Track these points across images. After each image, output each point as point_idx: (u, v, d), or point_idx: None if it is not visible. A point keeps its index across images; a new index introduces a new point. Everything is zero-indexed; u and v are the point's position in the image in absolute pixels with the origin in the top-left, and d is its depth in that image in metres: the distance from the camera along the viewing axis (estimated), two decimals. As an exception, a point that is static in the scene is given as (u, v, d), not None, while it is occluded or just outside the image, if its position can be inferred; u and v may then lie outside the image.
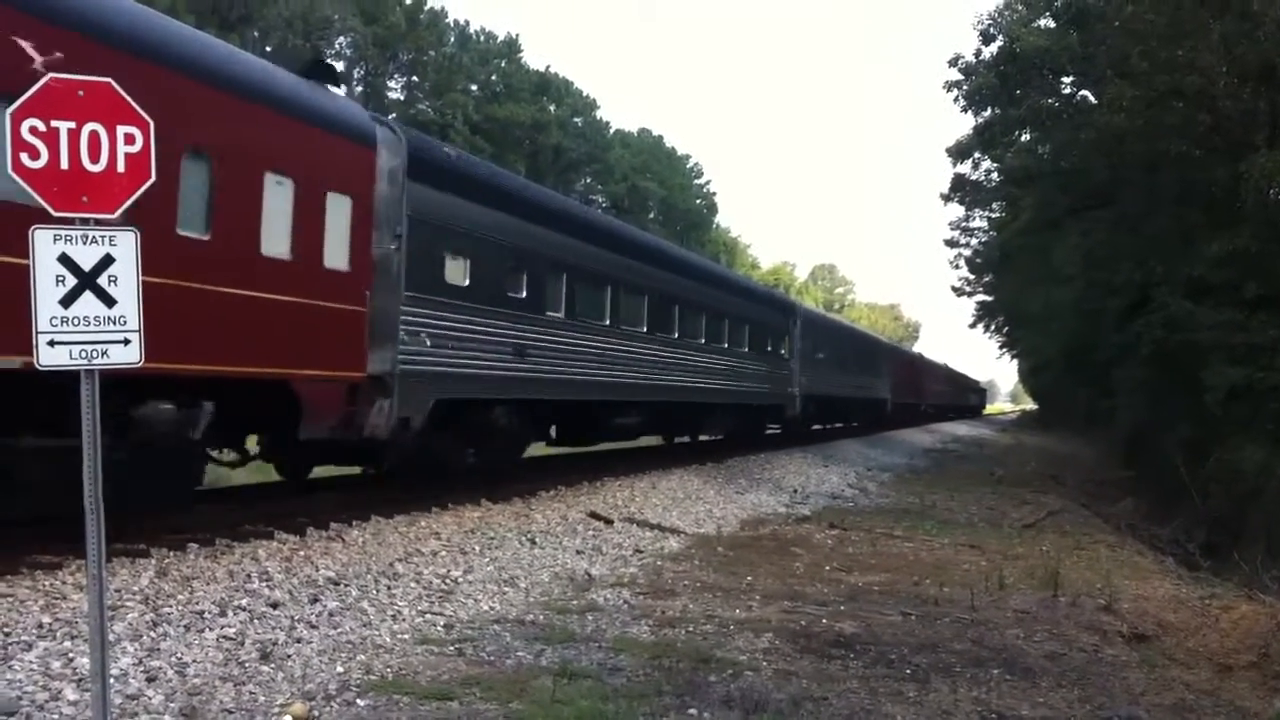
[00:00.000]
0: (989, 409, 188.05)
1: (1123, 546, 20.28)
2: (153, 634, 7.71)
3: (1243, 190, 24.26)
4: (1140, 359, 32.76)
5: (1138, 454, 40.79)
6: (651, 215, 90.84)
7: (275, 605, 8.93)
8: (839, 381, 42.00)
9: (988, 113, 36.85)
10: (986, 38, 33.97)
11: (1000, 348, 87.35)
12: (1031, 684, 8.68)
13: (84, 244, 5.45)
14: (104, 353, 5.52)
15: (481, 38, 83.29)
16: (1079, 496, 31.27)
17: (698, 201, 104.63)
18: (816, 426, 42.57)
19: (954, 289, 71.57)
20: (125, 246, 5.54)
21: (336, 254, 12.38)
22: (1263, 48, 23.69)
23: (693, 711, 7.23)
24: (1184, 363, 28.43)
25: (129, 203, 5.58)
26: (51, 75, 5.44)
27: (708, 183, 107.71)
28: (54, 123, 5.35)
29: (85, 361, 5.48)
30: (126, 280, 5.54)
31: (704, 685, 7.89)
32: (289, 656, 7.85)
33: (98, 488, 5.49)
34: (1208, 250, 25.98)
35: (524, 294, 16.82)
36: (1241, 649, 11.70)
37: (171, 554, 9.95)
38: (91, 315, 5.48)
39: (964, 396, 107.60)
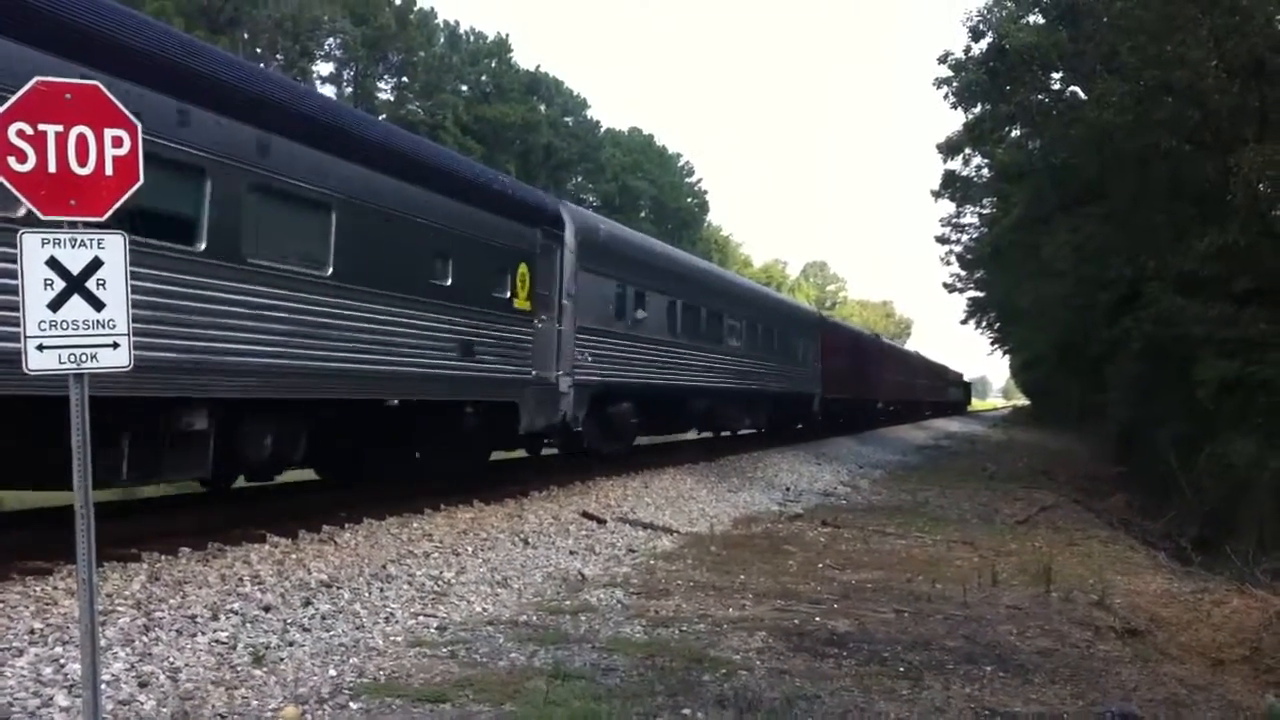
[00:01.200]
0: (980, 405, 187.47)
1: (1115, 542, 20.31)
2: (144, 639, 7.69)
3: (1232, 184, 24.30)
4: (1131, 354, 32.84)
5: (1130, 449, 40.83)
6: (643, 214, 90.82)
7: (267, 609, 8.92)
8: (695, 366, 25.69)
9: (978, 109, 36.81)
10: (976, 34, 33.93)
11: (992, 343, 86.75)
12: (1024, 680, 8.68)
13: (72, 247, 5.43)
14: (93, 356, 5.50)
15: (471, 38, 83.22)
16: (1071, 492, 31.29)
17: (689, 200, 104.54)
18: (645, 440, 25.91)
19: (945, 285, 70.97)
20: (114, 250, 5.52)
21: None
22: (1252, 42, 23.71)
23: (686, 711, 7.22)
24: (1175, 357, 28.49)
25: (117, 205, 5.57)
26: (38, 79, 5.42)
27: (699, 181, 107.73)
28: (41, 126, 5.33)
29: (74, 366, 5.46)
30: (115, 284, 5.52)
31: (697, 685, 7.89)
32: (281, 660, 7.84)
33: (88, 493, 5.47)
34: (1198, 245, 25.99)
35: None
36: (1234, 643, 11.75)
37: (163, 558, 9.93)
38: (80, 319, 5.46)
39: (942, 391, 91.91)
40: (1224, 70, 25.18)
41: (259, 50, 60.54)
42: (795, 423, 39.62)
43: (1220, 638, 11.97)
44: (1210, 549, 20.92)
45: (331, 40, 70.74)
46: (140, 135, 5.62)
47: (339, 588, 10.01)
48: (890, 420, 58.55)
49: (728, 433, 33.31)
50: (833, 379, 41.43)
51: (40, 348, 5.37)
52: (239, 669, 7.51)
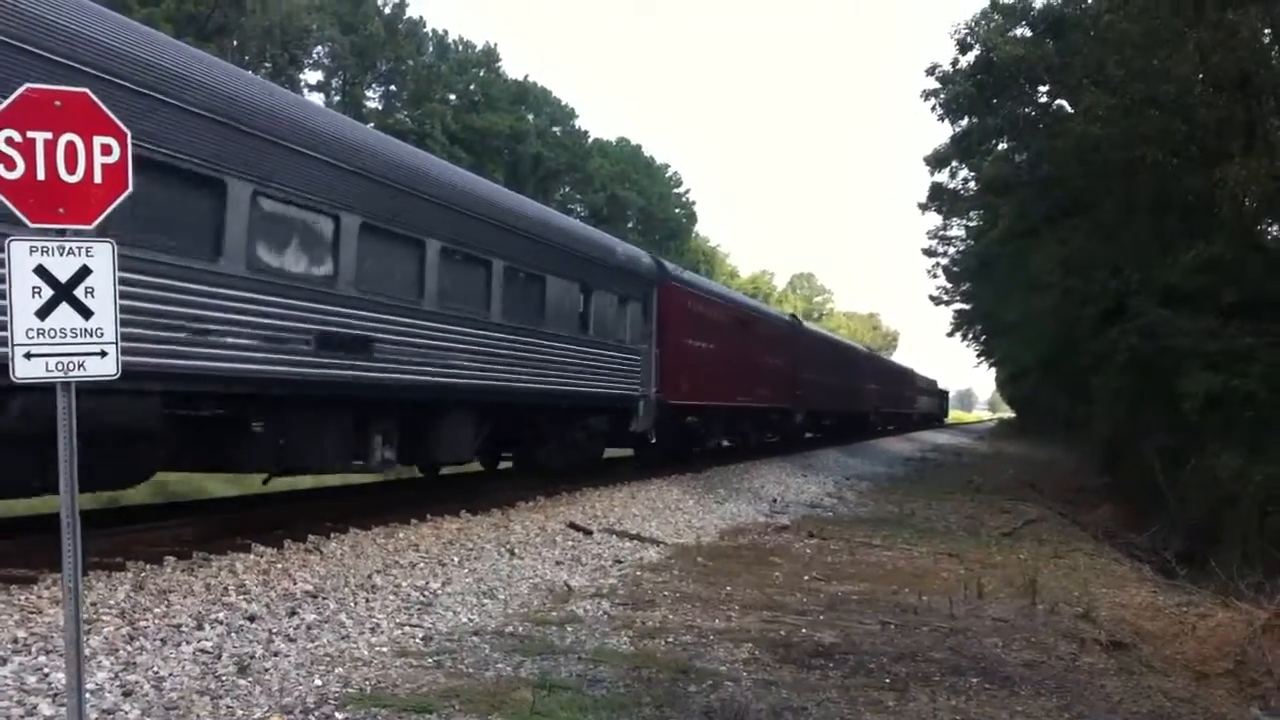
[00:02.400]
0: (966, 417, 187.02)
1: (1100, 554, 20.37)
2: (129, 648, 7.66)
3: (1218, 198, 24.46)
4: (1117, 366, 32.93)
5: (1115, 461, 40.96)
6: (631, 224, 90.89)
7: (252, 618, 8.89)
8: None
9: (965, 122, 37.10)
10: (964, 47, 34.17)
11: (978, 356, 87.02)
12: (1010, 692, 8.69)
13: (60, 255, 5.42)
14: (81, 365, 5.49)
15: (460, 47, 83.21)
16: (1057, 504, 31.35)
17: (677, 211, 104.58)
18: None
19: (932, 298, 71.16)
20: (102, 258, 5.52)
21: None
22: (1238, 56, 23.87)
23: (672, 722, 7.22)
24: (1161, 370, 28.58)
25: (105, 213, 5.56)
26: (28, 86, 5.41)
27: (687, 192, 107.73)
28: (30, 133, 5.32)
29: (62, 374, 5.45)
30: (103, 292, 5.52)
31: (684, 696, 7.88)
32: (266, 670, 7.81)
33: (74, 501, 5.45)
34: (1184, 258, 26.17)
35: None
36: (1218, 656, 11.80)
37: (148, 567, 9.91)
38: (68, 327, 5.45)
39: (908, 400, 74.66)
40: (1210, 84, 25.35)
41: (247, 58, 60.48)
42: (589, 451, 22.19)
43: (1205, 651, 12.01)
44: (1195, 562, 21.00)
45: (320, 48, 70.67)
46: (129, 142, 5.61)
47: (324, 598, 9.98)
48: (817, 442, 45.75)
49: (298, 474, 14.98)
50: (683, 375, 25.39)
51: (28, 356, 5.36)
52: (224, 679, 7.48)
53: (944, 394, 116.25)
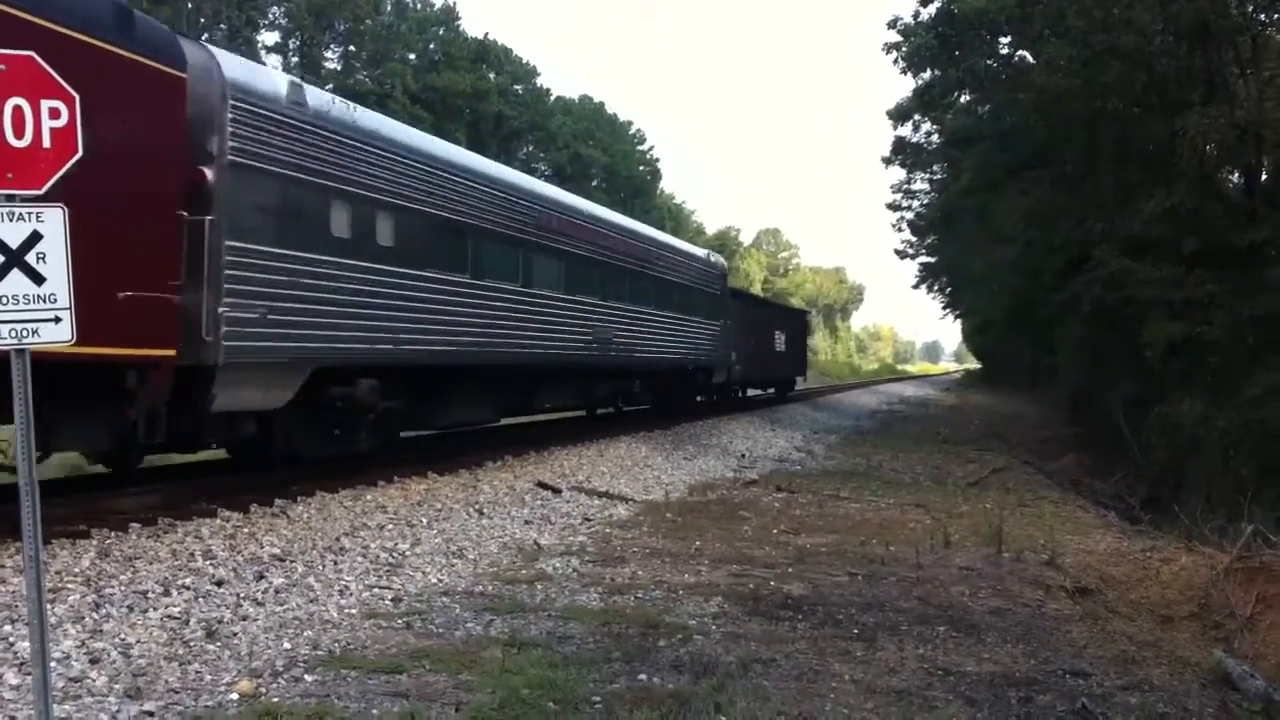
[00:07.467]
0: (931, 369, 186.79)
1: (1065, 502, 20.54)
2: (95, 615, 7.62)
3: (1178, 147, 24.55)
4: (1081, 317, 33.08)
5: (1080, 411, 41.27)
6: (595, 183, 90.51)
7: (220, 583, 8.86)
8: None
9: (927, 74, 36.93)
10: (924, -1, 33.95)
11: (944, 308, 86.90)
12: (977, 640, 8.77)
13: (10, 221, 5.33)
14: (35, 331, 5.41)
15: (418, 5, 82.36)
16: (1023, 454, 31.60)
17: (641, 168, 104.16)
18: None
19: (897, 251, 71.06)
20: (53, 223, 5.43)
21: None
22: (1197, 6, 23.89)
23: (642, 677, 7.25)
24: (1124, 319, 28.77)
25: (55, 177, 5.47)
26: (-30, 50, 5.31)
27: (650, 149, 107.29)
28: (-25, 98, 5.22)
29: (15, 341, 5.37)
30: (55, 257, 5.43)
31: (653, 650, 7.92)
32: (235, 634, 7.78)
33: (31, 467, 5.39)
34: (1145, 207, 26.24)
35: None
36: (1182, 600, 11.93)
37: (113, 534, 9.84)
38: (20, 294, 5.37)
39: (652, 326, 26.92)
40: (1170, 33, 25.36)
41: (202, 20, 59.68)
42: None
43: (1169, 595, 12.14)
44: (1159, 508, 21.23)
45: (276, 9, 69.78)
46: (77, 105, 5.51)
47: (292, 561, 9.95)
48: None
49: None
50: None
51: (-21, 323, 5.28)
52: (192, 644, 7.45)
53: (798, 319, 56.52)
